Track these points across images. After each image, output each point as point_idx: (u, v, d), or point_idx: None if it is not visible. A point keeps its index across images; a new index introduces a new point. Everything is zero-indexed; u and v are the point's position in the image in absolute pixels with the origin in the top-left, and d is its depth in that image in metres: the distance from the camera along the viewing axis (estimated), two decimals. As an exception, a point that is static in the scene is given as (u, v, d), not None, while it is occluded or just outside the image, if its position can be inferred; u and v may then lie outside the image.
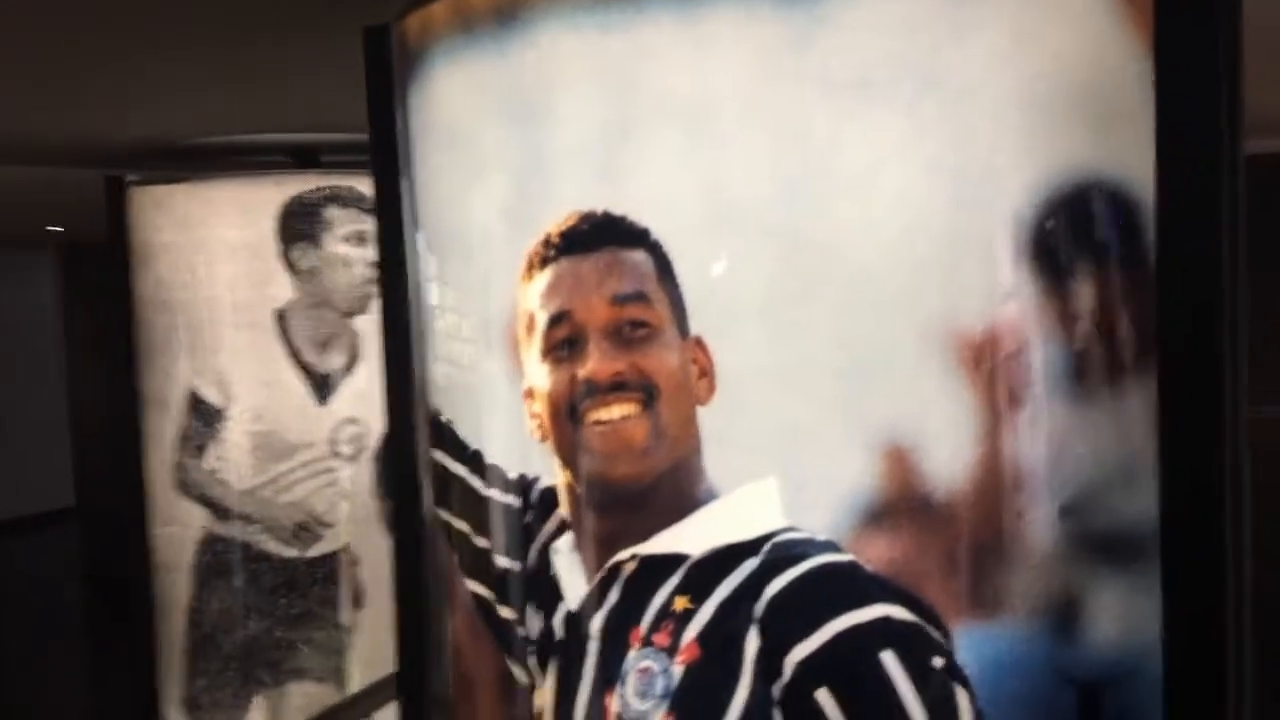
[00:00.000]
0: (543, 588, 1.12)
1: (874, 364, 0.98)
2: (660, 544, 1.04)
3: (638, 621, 1.06)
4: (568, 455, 1.08)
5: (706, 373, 1.01)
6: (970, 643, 0.99)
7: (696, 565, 1.03)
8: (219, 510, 3.56)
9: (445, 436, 1.23)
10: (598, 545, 1.08)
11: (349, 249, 3.54)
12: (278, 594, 3.54)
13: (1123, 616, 1.01)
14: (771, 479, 1.00)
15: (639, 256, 1.03)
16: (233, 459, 3.51)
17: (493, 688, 1.19)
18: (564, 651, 1.10)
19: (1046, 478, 0.99)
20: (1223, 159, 0.96)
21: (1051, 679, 1.00)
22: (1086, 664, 1.01)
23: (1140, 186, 0.98)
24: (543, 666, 1.13)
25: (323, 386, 3.55)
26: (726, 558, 1.01)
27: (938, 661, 0.98)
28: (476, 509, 1.19)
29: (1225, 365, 0.97)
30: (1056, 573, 0.99)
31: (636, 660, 1.05)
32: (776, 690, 1.00)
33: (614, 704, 1.06)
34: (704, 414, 1.02)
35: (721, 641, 1.01)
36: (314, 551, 3.59)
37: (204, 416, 3.53)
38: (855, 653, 0.99)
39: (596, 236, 1.05)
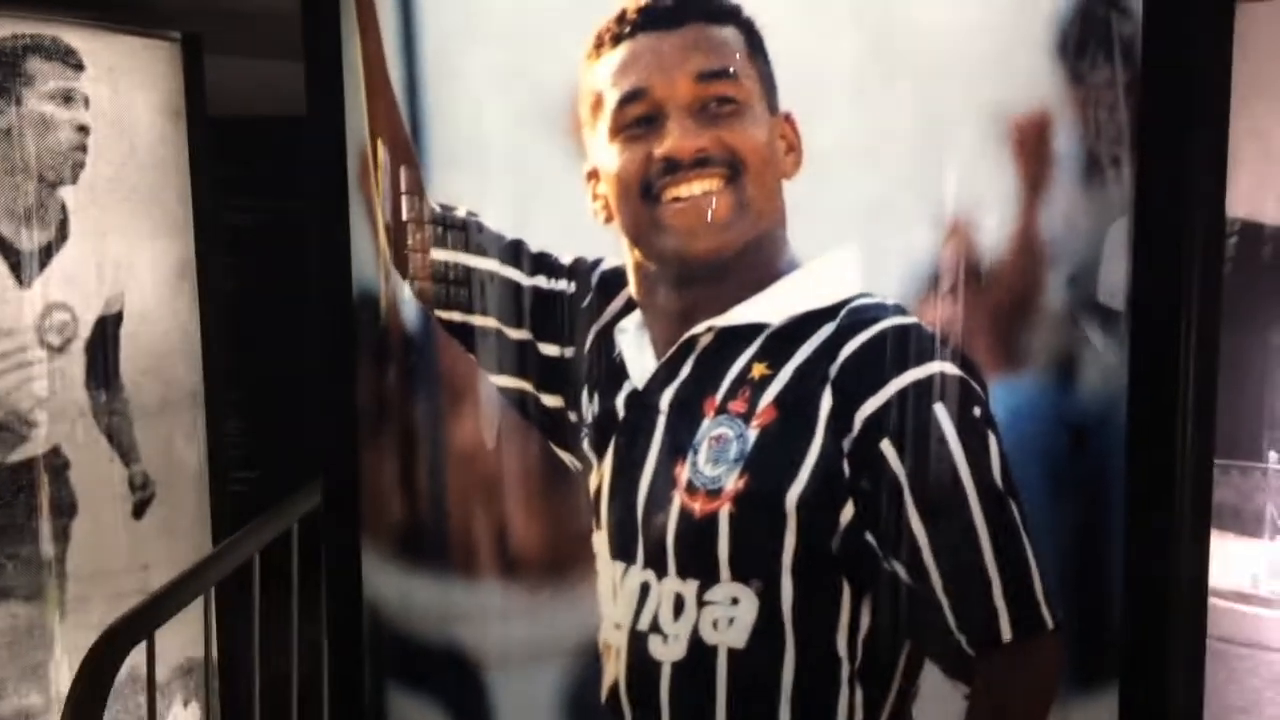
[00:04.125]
0: (601, 370, 1.13)
1: (944, 143, 1.08)
2: (740, 315, 1.09)
3: (713, 392, 1.10)
4: (639, 234, 1.10)
5: (794, 148, 1.07)
6: (999, 394, 1.13)
7: (776, 333, 1.09)
8: (-113, 411, 3.06)
9: (467, 231, 1.18)
10: (671, 321, 1.11)
11: (54, 109, 3.11)
12: (-28, 504, 3.11)
13: (1102, 369, 1.20)
14: (853, 248, 1.08)
15: (728, 33, 1.06)
16: (-91, 350, 3.02)
17: (532, 479, 1.18)
18: (627, 429, 1.13)
19: (1062, 250, 1.14)
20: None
21: (1054, 424, 1.18)
22: (1077, 411, 1.19)
23: None
24: (598, 449, 1.14)
25: (23, 266, 3.13)
26: (806, 324, 1.08)
27: (977, 411, 1.12)
28: (513, 301, 1.16)
29: (1192, 149, 1.17)
30: (1063, 332, 1.16)
31: (711, 428, 1.10)
32: (846, 444, 1.09)
33: (684, 473, 1.11)
34: (788, 188, 1.07)
35: (797, 403, 1.09)
36: (16, 455, 3.18)
37: None
38: (914, 407, 1.10)
39: (681, 12, 1.06)
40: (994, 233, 1.11)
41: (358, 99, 1.34)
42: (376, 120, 1.28)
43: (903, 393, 1.10)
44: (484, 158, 1.18)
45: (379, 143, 1.29)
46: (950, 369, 1.11)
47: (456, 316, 1.21)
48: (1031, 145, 1.11)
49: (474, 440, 1.22)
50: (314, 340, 1.46)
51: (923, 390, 1.10)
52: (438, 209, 1.22)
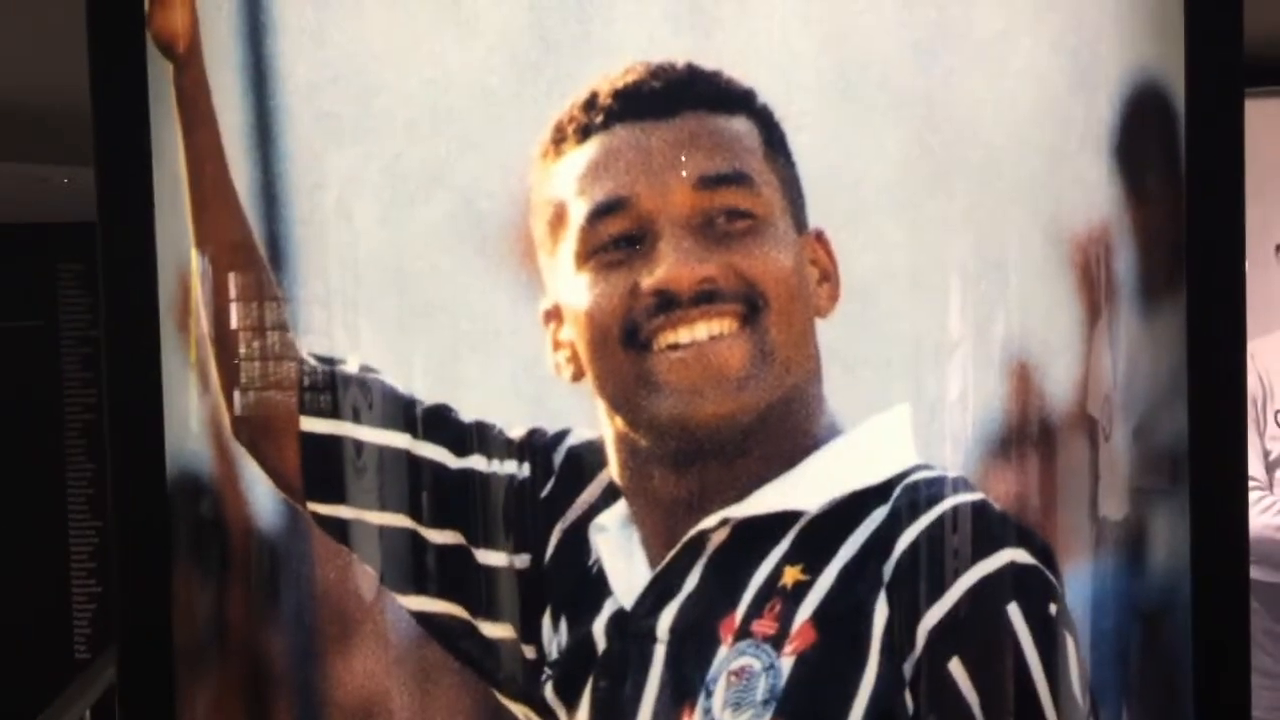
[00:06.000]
0: (571, 584, 0.81)
1: (1001, 265, 0.84)
2: (764, 501, 0.80)
3: (730, 608, 0.80)
4: (622, 395, 0.79)
5: (829, 276, 0.80)
6: (1072, 582, 0.89)
7: (813, 524, 0.80)
8: None
9: (361, 395, 0.84)
10: (670, 514, 0.80)
11: None
12: None
13: (1168, 542, 0.98)
14: (904, 406, 0.82)
15: (740, 126, 0.79)
16: None
17: (467, 744, 0.83)
18: (611, 666, 0.80)
19: (1127, 395, 0.93)
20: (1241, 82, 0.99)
21: (1127, 614, 0.94)
22: (1148, 594, 0.96)
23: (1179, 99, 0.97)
24: (567, 696, 0.81)
25: None
26: (851, 510, 0.80)
27: (1053, 609, 0.87)
28: (435, 491, 0.83)
29: (1243, 289, 1.00)
30: (1133, 499, 0.94)
31: (730, 659, 0.79)
32: (908, 668, 0.81)
33: (694, 725, 0.79)
34: (822, 328, 0.80)
35: (844, 617, 0.80)
36: None
37: None
38: (984, 611, 0.84)
39: (675, 97, 0.78)
40: (1062, 379, 0.88)
41: (176, 217, 0.99)
42: (211, 239, 0.94)
43: (969, 595, 0.83)
44: (383, 295, 0.85)
45: (214, 269, 0.94)
46: (1022, 557, 0.85)
47: (345, 513, 0.86)
48: (1094, 269, 0.89)
49: (372, 691, 0.86)
50: (115, 543, 1.06)
51: (993, 588, 0.84)
52: (312, 363, 0.87)
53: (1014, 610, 0.85)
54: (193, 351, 1.00)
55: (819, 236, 0.80)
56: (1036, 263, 0.86)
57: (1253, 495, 2.25)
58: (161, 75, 1.00)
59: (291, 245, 0.89)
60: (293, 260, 0.88)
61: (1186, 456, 0.97)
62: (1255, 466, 2.31)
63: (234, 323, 0.91)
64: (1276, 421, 2.39)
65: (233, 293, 0.92)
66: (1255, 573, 2.23)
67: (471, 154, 0.81)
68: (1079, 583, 0.89)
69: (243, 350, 0.91)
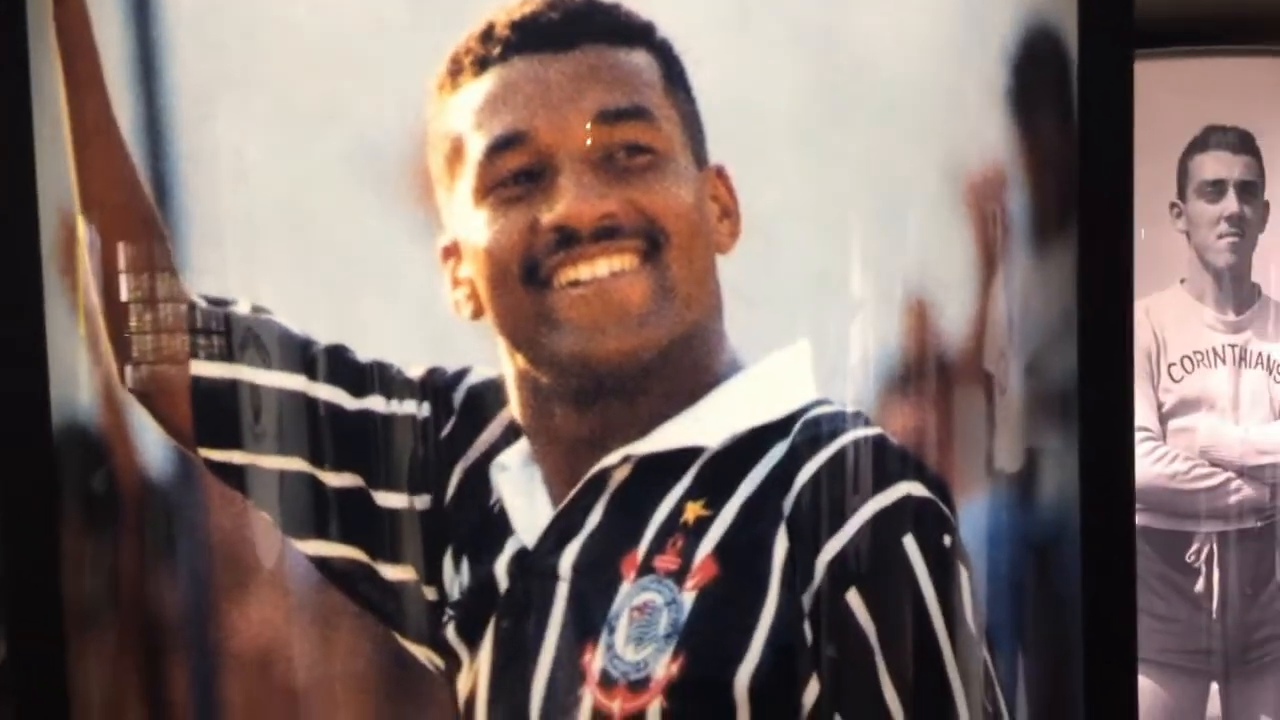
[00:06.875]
0: (473, 524, 0.80)
1: (899, 203, 0.85)
2: (666, 437, 0.80)
3: (633, 545, 0.80)
4: (523, 333, 0.78)
5: (730, 212, 0.80)
6: (966, 516, 0.91)
7: (715, 459, 0.81)
8: None
9: (254, 336, 0.82)
10: (571, 452, 0.79)
11: None
12: None
13: (1057, 476, 1.01)
14: (805, 342, 0.82)
15: (639, 59, 0.78)
16: None
17: (369, 690, 0.82)
18: (513, 605, 0.79)
19: (1019, 335, 0.95)
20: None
21: (1018, 546, 0.97)
22: (1039, 528, 0.99)
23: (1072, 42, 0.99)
24: (469, 637, 0.80)
25: None
26: (752, 445, 0.81)
27: (947, 540, 0.89)
28: (332, 433, 0.81)
29: (1131, 230, 1.03)
30: (1024, 435, 0.96)
31: (632, 595, 0.80)
32: (807, 599, 0.82)
33: (597, 660, 0.79)
34: (724, 265, 0.80)
35: (745, 551, 0.81)
36: None
37: None
38: (882, 543, 0.85)
39: (573, 29, 0.77)
40: (957, 317, 0.89)
41: (58, 157, 0.95)
42: (94, 178, 0.90)
43: (867, 526, 0.85)
44: (275, 233, 0.83)
45: (98, 208, 0.91)
46: (918, 490, 0.87)
47: (239, 458, 0.84)
48: (987, 207, 0.91)
49: (269, 639, 0.84)
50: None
51: (890, 520, 0.86)
52: (203, 304, 0.85)
53: (909, 541, 0.86)
54: (79, 297, 0.96)
55: (719, 172, 0.80)
56: (934, 200, 0.87)
57: (1145, 445, 2.34)
58: (41, 10, 0.95)
59: (179, 182, 0.86)
60: (180, 198, 0.86)
61: (1065, 391, 1.00)
62: (1149, 417, 2.40)
63: (120, 265, 0.88)
64: (1170, 375, 2.47)
65: (118, 234, 0.89)
66: (1147, 519, 2.32)
67: (366, 87, 0.79)
68: (973, 516, 0.92)
69: (129, 294, 0.88)
